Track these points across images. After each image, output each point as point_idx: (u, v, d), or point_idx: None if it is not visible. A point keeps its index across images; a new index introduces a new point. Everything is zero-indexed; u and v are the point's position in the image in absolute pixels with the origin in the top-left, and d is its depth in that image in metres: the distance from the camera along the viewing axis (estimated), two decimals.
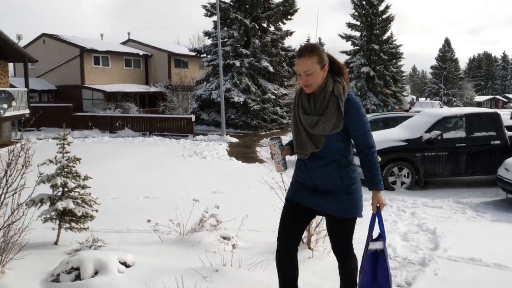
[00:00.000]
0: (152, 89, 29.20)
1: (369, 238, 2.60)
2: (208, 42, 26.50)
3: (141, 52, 30.51)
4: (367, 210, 2.55)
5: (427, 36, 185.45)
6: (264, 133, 22.22)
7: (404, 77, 38.73)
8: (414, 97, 54.01)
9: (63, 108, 21.54)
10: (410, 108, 35.23)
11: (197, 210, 4.36)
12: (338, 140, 2.45)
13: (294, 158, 2.67)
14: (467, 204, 6.93)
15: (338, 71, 2.54)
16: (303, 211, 2.58)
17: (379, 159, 2.65)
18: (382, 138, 8.49)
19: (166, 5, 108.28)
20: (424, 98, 59.28)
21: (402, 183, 8.25)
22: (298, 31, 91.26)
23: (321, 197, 2.50)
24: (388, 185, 8.08)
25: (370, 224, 2.59)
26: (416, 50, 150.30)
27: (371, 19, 30.15)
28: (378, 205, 2.51)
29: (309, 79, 2.42)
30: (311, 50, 2.43)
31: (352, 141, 2.55)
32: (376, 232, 2.61)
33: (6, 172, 3.46)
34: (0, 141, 16.29)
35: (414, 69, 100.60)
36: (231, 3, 24.79)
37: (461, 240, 4.70)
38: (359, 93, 29.15)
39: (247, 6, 24.31)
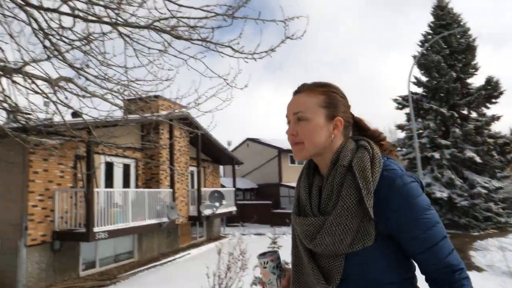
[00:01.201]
0: None
1: None
2: (401, 135, 25.69)
3: None
4: None
5: None
6: (477, 233, 19.15)
7: None
8: None
9: (263, 205, 23.29)
10: None
11: None
12: (377, 258, 1.24)
13: None
14: None
15: (371, 136, 1.44)
16: None
17: None
18: None
19: (353, 100, 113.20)
20: None
21: None
22: (507, 114, 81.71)
23: None
24: None
25: None
26: None
27: None
28: None
29: (300, 130, 1.34)
30: (315, 85, 1.39)
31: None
32: None
33: (226, 275, 3.52)
34: (211, 236, 18.23)
35: None
36: (424, 93, 23.95)
37: None
38: None
39: (441, 94, 23.05)
